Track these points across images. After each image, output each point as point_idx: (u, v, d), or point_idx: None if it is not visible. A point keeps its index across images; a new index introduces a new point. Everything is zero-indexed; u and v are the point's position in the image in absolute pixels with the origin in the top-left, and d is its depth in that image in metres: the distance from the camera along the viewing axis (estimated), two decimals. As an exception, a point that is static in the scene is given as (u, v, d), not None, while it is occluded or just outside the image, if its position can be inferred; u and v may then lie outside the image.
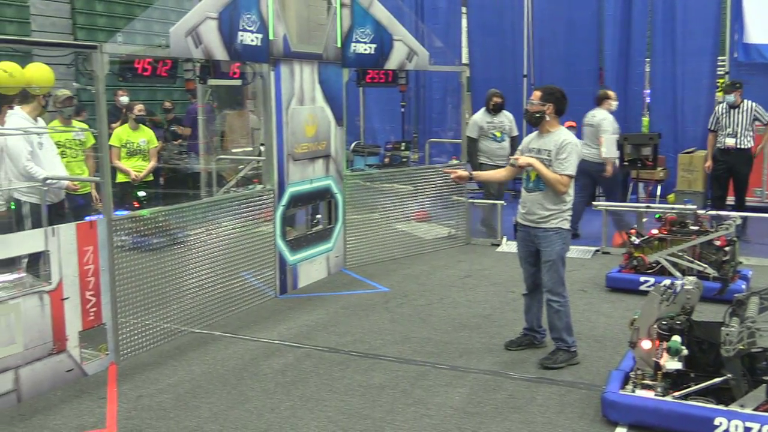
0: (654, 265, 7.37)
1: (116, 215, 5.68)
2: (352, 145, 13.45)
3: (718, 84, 12.01)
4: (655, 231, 7.60)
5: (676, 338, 4.52)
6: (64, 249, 5.15)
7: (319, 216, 8.29)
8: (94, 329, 5.42)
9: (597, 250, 9.07)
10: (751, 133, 9.72)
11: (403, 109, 14.12)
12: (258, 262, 7.14)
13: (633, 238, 7.63)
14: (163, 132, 11.86)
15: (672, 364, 4.48)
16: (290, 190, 7.48)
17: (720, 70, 12.25)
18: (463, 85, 9.98)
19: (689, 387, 4.46)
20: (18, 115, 6.69)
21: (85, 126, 7.84)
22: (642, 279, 7.32)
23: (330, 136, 8.07)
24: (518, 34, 13.44)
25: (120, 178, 8.96)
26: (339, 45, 7.96)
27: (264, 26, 6.93)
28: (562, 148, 5.45)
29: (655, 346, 4.60)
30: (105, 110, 5.50)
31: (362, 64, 8.41)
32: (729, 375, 4.35)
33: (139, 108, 9.20)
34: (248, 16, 6.71)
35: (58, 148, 7.48)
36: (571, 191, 5.55)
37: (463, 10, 14.32)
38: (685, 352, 4.50)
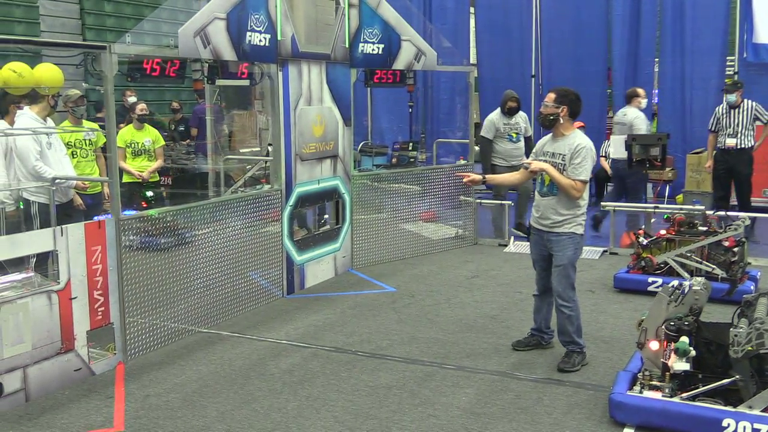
0: (662, 265, 7.34)
1: (124, 215, 5.70)
2: (360, 145, 13.47)
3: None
4: (663, 231, 7.58)
5: (684, 339, 4.50)
6: (73, 249, 5.17)
7: (326, 216, 8.30)
8: (102, 329, 5.44)
9: (605, 251, 9.05)
10: (752, 133, 9.68)
11: (410, 110, 14.12)
12: (265, 262, 7.15)
13: (641, 239, 7.61)
14: (166, 132, 11.90)
15: (680, 365, 4.46)
16: (298, 191, 7.49)
17: (729, 70, 12.20)
18: (471, 86, 9.97)
19: (697, 388, 4.44)
20: (27, 116, 6.72)
21: (95, 126, 7.86)
22: (650, 280, 7.29)
23: (337, 137, 8.08)
24: (526, 34, 13.43)
25: (127, 178, 8.99)
26: (347, 45, 7.96)
27: (272, 26, 6.94)
28: (576, 152, 5.34)
29: (663, 347, 4.58)
30: (114, 110, 5.52)
31: (370, 64, 8.41)
32: (737, 376, 4.33)
33: (140, 107, 9.21)
34: (256, 16, 6.72)
35: (69, 148, 7.51)
36: (586, 195, 5.46)
37: (471, 10, 14.32)
38: (693, 353, 4.48)
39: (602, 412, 4.71)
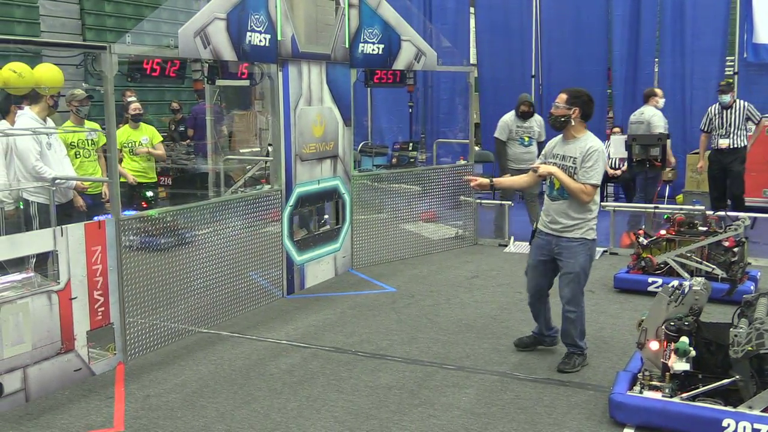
0: (662, 265, 7.34)
1: (124, 215, 5.70)
2: (360, 145, 13.47)
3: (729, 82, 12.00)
4: (663, 232, 7.58)
5: (684, 339, 4.50)
6: (73, 249, 5.17)
7: (326, 216, 8.30)
8: (102, 329, 5.44)
9: (605, 251, 9.05)
10: (745, 133, 9.71)
11: (410, 110, 14.12)
12: (265, 262, 7.15)
13: (641, 239, 7.61)
14: (166, 133, 11.90)
15: (680, 366, 4.46)
16: (298, 191, 7.49)
17: (728, 70, 12.21)
18: (471, 86, 9.97)
19: (697, 388, 4.45)
20: (27, 116, 6.72)
21: (97, 126, 7.86)
22: (650, 280, 7.30)
23: (338, 137, 8.08)
24: (527, 35, 13.42)
25: (124, 179, 8.96)
26: (347, 45, 7.96)
27: (272, 27, 6.94)
28: (588, 155, 5.17)
29: (662, 347, 4.58)
30: (114, 110, 5.52)
31: (370, 64, 8.42)
32: (737, 376, 4.34)
33: (133, 107, 9.19)
34: (256, 16, 6.72)
35: (72, 148, 7.51)
36: (597, 199, 5.32)
37: (472, 10, 14.31)
38: (693, 353, 4.48)
39: (602, 412, 4.71)
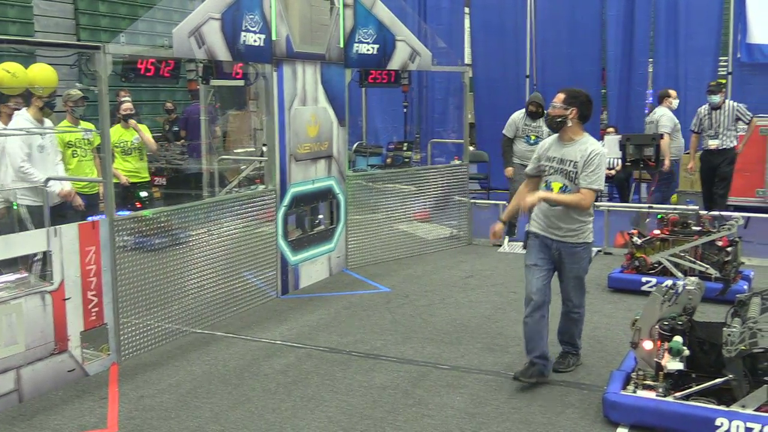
0: (656, 265, 7.36)
1: (118, 215, 5.69)
2: (355, 145, 13.46)
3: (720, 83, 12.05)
4: (657, 231, 7.60)
5: (678, 339, 4.52)
6: (67, 249, 5.16)
7: (321, 216, 8.30)
8: (96, 329, 5.43)
9: (599, 251, 9.07)
10: (734, 134, 9.73)
11: (405, 110, 14.13)
12: (260, 262, 7.14)
13: (635, 239, 7.63)
14: (160, 134, 11.89)
15: (673, 365, 4.48)
16: (292, 191, 7.48)
17: (722, 71, 12.24)
18: (465, 86, 9.99)
19: (690, 387, 4.46)
20: (22, 117, 6.72)
21: (92, 126, 7.84)
22: (644, 279, 7.31)
23: (332, 137, 8.08)
24: (521, 35, 13.44)
25: (117, 180, 8.92)
26: (342, 45, 7.96)
27: (267, 27, 6.94)
28: (590, 159, 4.96)
29: (656, 346, 4.60)
30: (108, 111, 5.52)
31: (365, 64, 8.42)
32: (730, 375, 4.35)
33: (124, 107, 9.15)
34: (251, 16, 6.72)
35: (69, 147, 7.49)
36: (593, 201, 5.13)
37: (466, 10, 14.33)
38: (687, 352, 4.50)
39: (596, 411, 4.72)
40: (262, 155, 8.59)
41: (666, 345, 4.57)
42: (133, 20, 13.91)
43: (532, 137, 9.74)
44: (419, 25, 11.84)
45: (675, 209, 8.42)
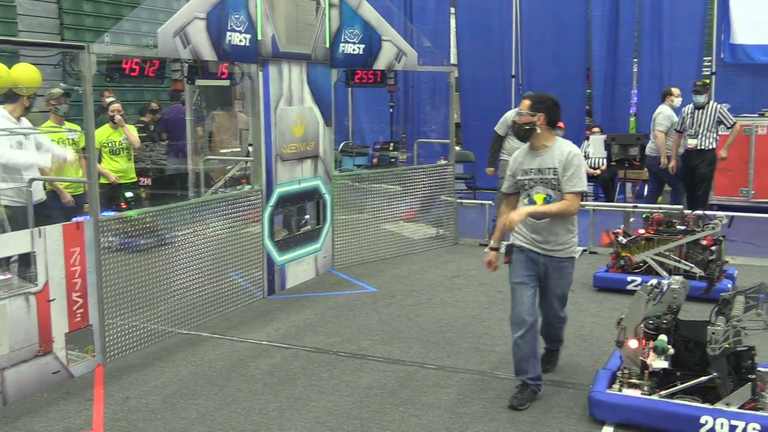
0: (641, 264, 7.40)
1: (103, 216, 5.66)
2: (341, 145, 13.47)
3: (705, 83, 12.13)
4: (642, 231, 7.64)
5: (663, 337, 4.55)
6: (51, 250, 5.13)
7: (307, 216, 8.29)
8: (81, 331, 5.39)
9: (584, 250, 9.10)
10: (715, 135, 9.74)
11: (391, 110, 14.14)
12: (246, 262, 7.12)
13: (620, 238, 7.66)
14: (145, 133, 11.83)
15: (658, 363, 4.51)
16: (278, 191, 7.47)
17: (706, 71, 12.33)
18: (451, 86, 10.00)
19: (675, 386, 4.48)
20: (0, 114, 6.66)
21: (77, 127, 7.79)
22: (629, 278, 7.35)
23: (318, 137, 8.07)
24: (507, 35, 13.48)
25: (104, 180, 8.87)
26: (328, 45, 7.96)
27: (252, 26, 6.92)
28: (569, 163, 4.75)
29: (641, 345, 4.62)
30: (92, 111, 5.48)
31: (351, 64, 8.41)
32: (715, 374, 4.38)
33: (113, 108, 9.11)
34: (236, 16, 6.70)
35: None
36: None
37: (452, 10, 14.36)
38: (672, 351, 4.53)
39: (582, 410, 4.74)
40: (248, 155, 8.56)
41: (651, 344, 4.60)
42: (118, 20, 13.82)
43: None
44: (405, 25, 11.85)
45: (660, 208, 8.47)
